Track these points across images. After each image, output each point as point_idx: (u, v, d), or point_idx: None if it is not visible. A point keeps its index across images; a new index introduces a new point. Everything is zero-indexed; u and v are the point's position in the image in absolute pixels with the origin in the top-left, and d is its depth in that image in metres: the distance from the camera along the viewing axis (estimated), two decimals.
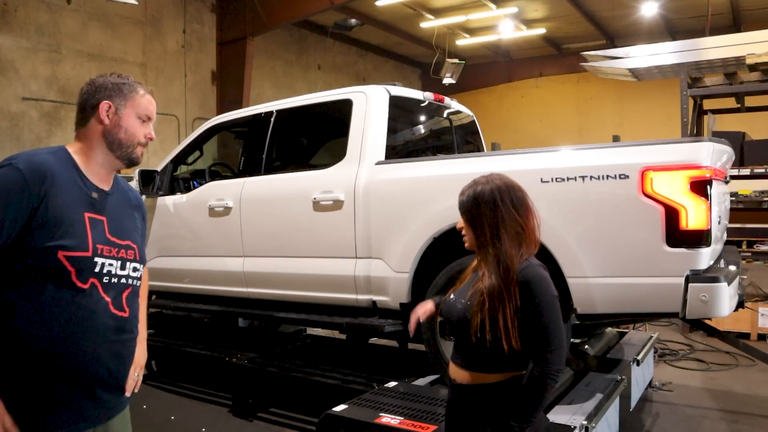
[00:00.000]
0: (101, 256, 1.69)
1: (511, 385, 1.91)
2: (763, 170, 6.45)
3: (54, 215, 1.61)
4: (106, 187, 1.80)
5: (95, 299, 1.67)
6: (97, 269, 1.68)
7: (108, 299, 1.70)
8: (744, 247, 9.54)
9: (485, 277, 1.93)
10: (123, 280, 1.76)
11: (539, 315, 1.85)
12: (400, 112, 4.16)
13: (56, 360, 1.62)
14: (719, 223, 3.15)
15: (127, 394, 1.82)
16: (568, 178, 2.97)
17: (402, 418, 2.90)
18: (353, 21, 14.13)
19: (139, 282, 1.85)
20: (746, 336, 6.60)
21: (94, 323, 1.67)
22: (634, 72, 7.42)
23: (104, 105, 1.76)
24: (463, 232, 2.05)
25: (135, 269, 1.81)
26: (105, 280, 1.70)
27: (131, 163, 1.82)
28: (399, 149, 4.23)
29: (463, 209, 2.02)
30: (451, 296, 2.08)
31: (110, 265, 1.72)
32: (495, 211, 1.94)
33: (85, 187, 1.72)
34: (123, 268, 1.76)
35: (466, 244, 2.05)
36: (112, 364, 1.73)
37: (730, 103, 7.59)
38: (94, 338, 1.67)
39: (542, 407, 1.90)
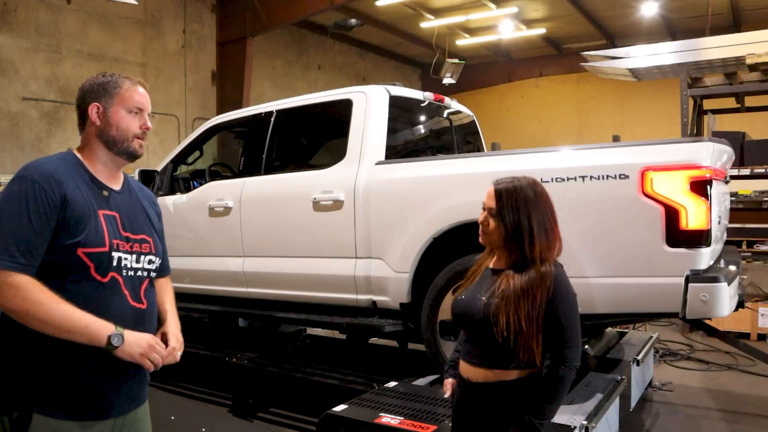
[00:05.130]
0: (117, 250, 1.76)
1: (530, 382, 1.95)
2: (763, 170, 6.45)
3: (72, 215, 1.69)
4: (116, 186, 1.87)
5: (115, 292, 1.75)
6: (114, 263, 1.76)
7: (127, 292, 1.78)
8: (744, 247, 9.53)
9: (513, 275, 1.92)
10: (139, 273, 1.84)
11: (560, 313, 1.90)
12: (400, 112, 4.16)
13: (81, 348, 1.67)
14: (719, 223, 3.15)
15: (172, 358, 1.81)
16: (568, 178, 2.97)
17: (402, 418, 2.90)
18: (353, 21, 14.13)
19: (155, 273, 1.91)
20: (746, 336, 6.60)
21: (115, 314, 1.72)
22: (634, 72, 7.42)
23: (92, 107, 1.82)
24: (489, 226, 1.99)
25: (150, 261, 1.88)
26: (125, 273, 1.78)
27: (131, 156, 1.86)
28: (399, 149, 4.23)
29: (502, 203, 1.96)
30: (463, 296, 2.07)
31: (126, 259, 1.79)
32: (538, 210, 1.95)
33: (96, 187, 1.80)
34: (138, 261, 1.83)
35: (487, 239, 2.01)
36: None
37: (730, 103, 7.59)
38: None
39: (560, 402, 1.95)
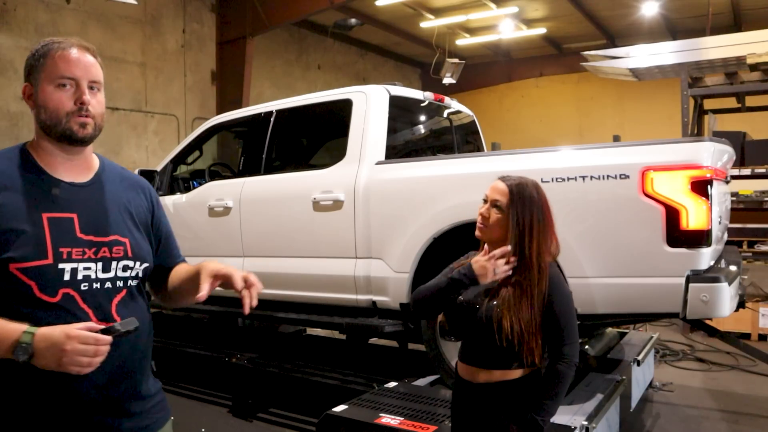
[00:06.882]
0: (69, 260, 1.42)
1: (531, 380, 1.97)
2: (763, 170, 6.44)
3: (1, 225, 1.37)
4: (80, 179, 1.52)
5: (71, 313, 1.39)
6: (66, 277, 1.41)
7: (88, 310, 1.42)
8: (745, 247, 9.52)
9: (512, 277, 1.94)
10: (108, 284, 1.47)
11: (556, 311, 1.92)
12: (400, 112, 4.15)
13: (41, 383, 1.38)
14: (720, 223, 3.14)
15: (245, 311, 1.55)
16: (568, 178, 2.96)
17: (402, 419, 2.90)
18: (353, 21, 14.12)
19: (136, 281, 1.55)
20: (747, 336, 6.59)
21: None
22: (634, 72, 7.42)
23: (24, 90, 1.51)
24: (490, 219, 1.98)
25: (126, 268, 1.51)
26: (84, 287, 1.43)
27: (72, 140, 1.47)
28: (399, 149, 4.22)
29: (513, 198, 1.96)
30: (461, 297, 2.05)
31: (87, 269, 1.44)
32: (539, 210, 1.97)
33: (43, 183, 1.46)
34: (107, 269, 1.47)
35: (486, 233, 2.00)
36: (105, 382, 1.45)
37: (731, 102, 7.59)
38: None
39: (561, 399, 1.97)
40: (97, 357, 1.30)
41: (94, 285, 1.45)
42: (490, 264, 1.92)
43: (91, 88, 1.48)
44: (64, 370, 1.29)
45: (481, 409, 1.99)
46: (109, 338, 1.31)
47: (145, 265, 1.57)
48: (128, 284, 1.53)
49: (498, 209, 1.97)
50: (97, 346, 1.29)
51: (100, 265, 1.46)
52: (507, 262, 1.92)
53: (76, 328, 1.29)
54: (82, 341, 1.28)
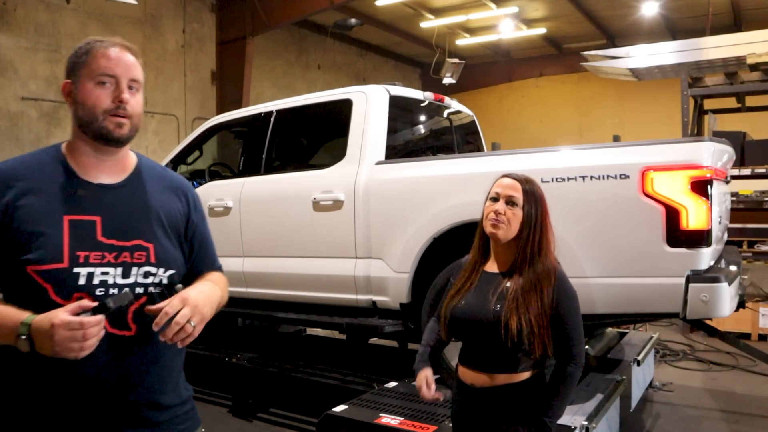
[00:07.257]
0: (86, 264, 1.40)
1: (536, 382, 1.96)
2: (763, 170, 6.45)
3: (20, 227, 1.38)
4: (112, 180, 1.51)
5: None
6: (82, 282, 1.39)
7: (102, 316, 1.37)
8: (745, 247, 9.52)
9: (520, 274, 1.93)
10: (126, 290, 1.44)
11: (563, 311, 1.92)
12: (400, 112, 4.15)
13: (50, 388, 1.38)
14: (720, 223, 3.14)
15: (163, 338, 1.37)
16: (568, 178, 2.96)
17: (402, 419, 2.90)
18: (353, 21, 14.12)
19: (159, 288, 1.50)
20: (747, 336, 6.60)
21: None
22: (634, 72, 7.42)
23: (64, 87, 1.50)
24: (507, 215, 1.94)
25: (147, 274, 1.47)
26: (99, 292, 1.40)
27: (107, 139, 1.46)
28: (399, 149, 4.22)
29: (527, 195, 1.96)
30: (463, 302, 2.02)
31: (104, 273, 1.42)
32: (544, 206, 2.00)
33: (70, 185, 1.45)
34: (127, 275, 1.44)
35: (504, 230, 1.95)
36: (116, 392, 1.43)
37: (731, 102, 7.59)
38: (84, 364, 1.33)
39: (569, 399, 1.97)
40: (88, 340, 1.26)
41: (111, 291, 1.42)
42: (422, 395, 2.07)
43: (130, 87, 1.47)
44: (61, 357, 1.27)
45: (486, 413, 1.97)
46: (97, 318, 1.28)
47: (171, 272, 1.52)
48: (147, 291, 1.48)
49: (515, 206, 1.96)
50: (84, 330, 1.25)
51: (119, 270, 1.44)
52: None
53: (63, 312, 1.26)
54: (67, 327, 1.25)
